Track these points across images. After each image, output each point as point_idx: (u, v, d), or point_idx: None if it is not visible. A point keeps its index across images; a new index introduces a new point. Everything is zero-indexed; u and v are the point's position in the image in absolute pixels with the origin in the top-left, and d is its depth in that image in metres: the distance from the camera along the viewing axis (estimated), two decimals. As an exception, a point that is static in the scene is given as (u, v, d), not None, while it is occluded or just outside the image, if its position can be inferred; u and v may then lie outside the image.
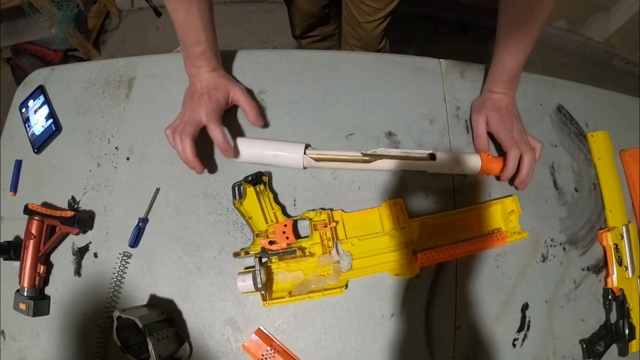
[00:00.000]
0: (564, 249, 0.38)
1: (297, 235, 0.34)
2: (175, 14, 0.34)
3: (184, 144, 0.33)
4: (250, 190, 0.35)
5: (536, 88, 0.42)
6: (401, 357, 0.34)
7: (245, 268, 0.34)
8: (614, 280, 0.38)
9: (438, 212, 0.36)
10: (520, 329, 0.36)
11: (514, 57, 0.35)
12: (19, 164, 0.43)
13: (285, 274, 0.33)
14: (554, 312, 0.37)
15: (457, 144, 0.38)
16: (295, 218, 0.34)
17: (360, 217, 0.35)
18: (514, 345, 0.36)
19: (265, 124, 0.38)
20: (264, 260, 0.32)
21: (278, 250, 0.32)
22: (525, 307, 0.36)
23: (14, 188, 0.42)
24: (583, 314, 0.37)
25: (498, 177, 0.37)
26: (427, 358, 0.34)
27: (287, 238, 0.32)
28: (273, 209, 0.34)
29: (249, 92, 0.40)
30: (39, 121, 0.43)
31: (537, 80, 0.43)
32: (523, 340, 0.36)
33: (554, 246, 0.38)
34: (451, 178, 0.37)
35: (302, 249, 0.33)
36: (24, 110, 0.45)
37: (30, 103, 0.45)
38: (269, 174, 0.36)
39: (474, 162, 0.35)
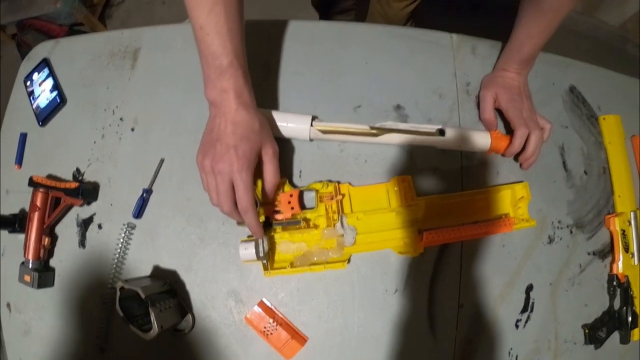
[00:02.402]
0: (571, 232, 0.38)
1: (302, 207, 0.33)
2: (194, 12, 0.27)
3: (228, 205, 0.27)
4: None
5: (549, 67, 0.41)
6: (403, 334, 0.34)
7: (248, 236, 0.34)
8: (620, 267, 0.37)
9: (445, 190, 0.35)
10: (523, 311, 0.36)
11: (534, 41, 0.34)
12: (23, 137, 0.43)
13: (288, 244, 0.32)
14: (558, 295, 0.37)
15: (466, 120, 0.38)
16: (301, 189, 0.34)
17: (368, 192, 0.34)
18: (517, 326, 0.35)
19: (274, 199, 0.32)
20: (267, 229, 0.32)
21: (282, 220, 0.32)
22: (529, 288, 0.36)
23: (19, 161, 0.42)
24: (587, 298, 0.37)
25: (503, 154, 0.36)
26: (429, 336, 0.34)
27: (292, 209, 0.31)
28: (281, 177, 0.33)
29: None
30: (43, 94, 0.43)
31: (550, 59, 0.42)
32: (526, 321, 0.36)
33: (561, 228, 0.38)
34: (459, 155, 0.37)
35: (307, 221, 0.33)
36: (28, 83, 0.45)
37: (35, 76, 0.44)
38: (279, 143, 0.35)
39: (483, 139, 0.35)
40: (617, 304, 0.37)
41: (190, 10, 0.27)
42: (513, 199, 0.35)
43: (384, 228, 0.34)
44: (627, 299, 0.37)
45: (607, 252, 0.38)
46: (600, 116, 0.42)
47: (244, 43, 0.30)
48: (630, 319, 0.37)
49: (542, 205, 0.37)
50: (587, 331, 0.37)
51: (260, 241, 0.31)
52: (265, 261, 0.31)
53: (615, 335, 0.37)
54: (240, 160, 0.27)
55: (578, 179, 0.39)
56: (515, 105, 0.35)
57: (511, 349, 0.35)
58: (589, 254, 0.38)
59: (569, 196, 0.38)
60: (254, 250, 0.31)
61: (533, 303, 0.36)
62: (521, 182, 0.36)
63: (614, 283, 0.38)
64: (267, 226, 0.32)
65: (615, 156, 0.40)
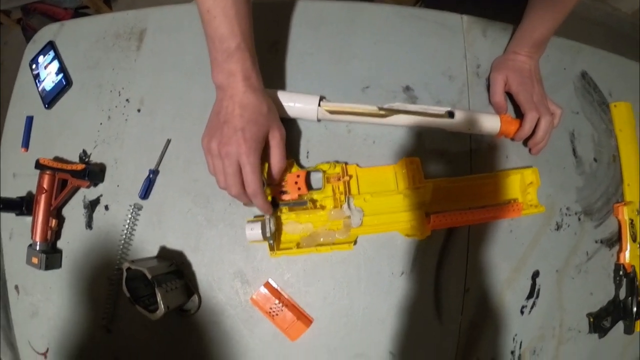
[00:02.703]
0: (579, 219, 0.37)
1: (309, 187, 0.33)
2: None
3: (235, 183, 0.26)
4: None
5: (561, 52, 0.41)
6: (409, 317, 0.34)
7: (255, 217, 0.34)
8: (627, 256, 0.37)
9: (454, 173, 0.35)
10: (529, 297, 0.36)
11: (547, 25, 0.34)
12: (30, 120, 0.43)
13: (294, 225, 0.32)
14: (564, 282, 0.36)
15: (476, 103, 0.37)
16: (308, 169, 0.33)
17: (375, 173, 0.34)
18: (522, 312, 0.35)
19: (280, 181, 0.32)
20: (273, 210, 0.31)
21: (289, 200, 0.32)
22: (535, 274, 0.36)
23: (26, 144, 0.42)
24: (592, 287, 0.37)
25: (513, 138, 0.36)
26: (435, 319, 0.34)
27: (299, 189, 0.31)
28: (288, 159, 0.33)
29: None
30: (49, 77, 0.43)
31: (562, 44, 0.41)
32: (531, 308, 0.35)
33: (569, 215, 0.37)
34: (468, 138, 0.36)
35: (314, 201, 0.33)
36: (34, 66, 0.44)
37: (40, 59, 0.44)
38: (287, 123, 0.35)
39: (493, 122, 0.34)
40: (622, 293, 0.37)
41: None
42: (522, 184, 0.35)
43: (391, 210, 0.34)
44: (633, 289, 0.37)
45: (614, 240, 0.38)
46: (611, 103, 0.41)
47: (252, 25, 0.29)
48: (635, 309, 0.36)
49: (551, 191, 0.37)
50: (591, 320, 0.36)
51: (267, 221, 0.31)
52: (271, 241, 0.31)
53: (620, 325, 0.37)
54: (248, 143, 0.27)
55: (588, 166, 0.39)
56: (526, 89, 0.35)
57: (516, 335, 0.35)
58: (596, 242, 0.38)
59: (578, 183, 0.38)
60: (260, 231, 0.31)
61: (539, 289, 0.36)
62: (530, 167, 0.36)
63: (621, 272, 0.37)
64: (274, 206, 0.32)
65: (625, 144, 0.40)
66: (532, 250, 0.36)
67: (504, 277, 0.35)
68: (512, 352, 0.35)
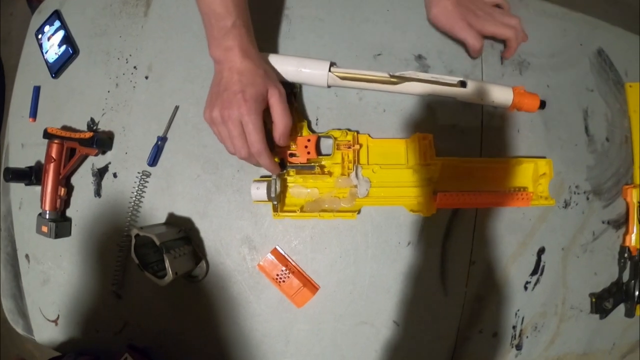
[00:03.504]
0: (587, 198, 0.37)
1: (319, 153, 0.33)
2: None
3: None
4: None
5: (577, 27, 0.40)
6: (414, 287, 0.34)
7: (261, 177, 0.34)
8: (632, 239, 0.37)
9: (465, 146, 0.34)
10: (533, 273, 0.36)
11: None
12: (37, 90, 0.42)
13: (300, 189, 0.32)
14: (569, 260, 0.36)
15: (489, 73, 0.36)
16: (320, 134, 0.33)
17: (386, 145, 0.34)
18: (526, 288, 0.35)
19: (289, 145, 0.31)
20: (282, 170, 0.31)
21: (297, 163, 0.32)
22: (541, 251, 0.36)
23: (34, 114, 0.42)
24: (597, 267, 0.37)
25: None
26: (440, 290, 0.34)
27: (309, 153, 0.31)
28: (300, 122, 0.33)
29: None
30: (55, 46, 0.42)
31: (579, 19, 0.40)
32: (535, 284, 0.36)
33: (578, 194, 0.37)
34: (480, 110, 0.36)
35: (322, 167, 0.32)
36: (40, 36, 0.44)
37: (46, 28, 0.44)
38: (300, 87, 0.35)
39: (506, 94, 0.34)
40: (626, 276, 0.37)
41: None
42: (535, 174, 0.35)
43: (399, 184, 0.33)
44: (637, 273, 0.37)
45: (621, 222, 0.38)
46: (626, 83, 0.40)
47: (247, 2, 0.29)
48: (637, 292, 0.36)
49: (562, 168, 0.36)
50: (593, 300, 0.37)
51: (273, 182, 0.30)
52: (276, 202, 0.31)
53: (621, 308, 0.37)
54: (248, 103, 0.27)
55: (599, 145, 0.38)
56: (480, 15, 0.32)
57: (518, 310, 0.35)
58: (603, 222, 0.37)
59: (589, 161, 0.38)
60: (265, 191, 0.31)
61: (544, 266, 0.36)
62: (545, 157, 0.35)
63: (625, 255, 0.37)
64: (282, 167, 0.32)
65: (638, 126, 0.39)
66: (540, 227, 0.36)
67: (510, 251, 0.35)
68: (514, 327, 0.35)
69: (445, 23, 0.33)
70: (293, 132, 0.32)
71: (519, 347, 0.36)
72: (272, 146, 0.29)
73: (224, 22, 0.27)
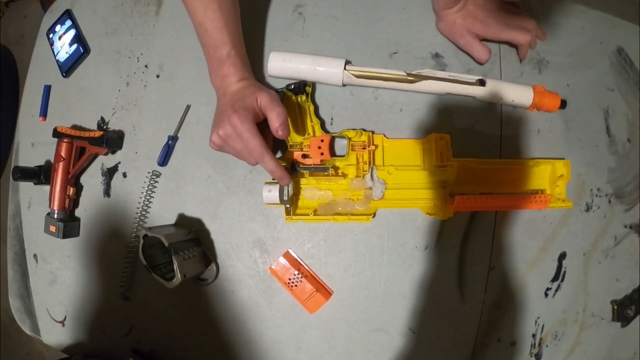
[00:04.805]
0: (609, 202, 0.36)
1: (333, 154, 0.32)
2: (192, 11, 0.30)
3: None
4: (290, 100, 0.32)
5: (596, 25, 0.38)
6: (430, 292, 0.33)
7: (274, 179, 0.33)
8: None
9: (483, 149, 0.33)
10: (554, 279, 0.34)
11: None
12: (47, 89, 0.42)
13: (313, 191, 0.31)
14: (591, 266, 0.35)
15: (508, 72, 0.35)
16: (333, 135, 0.32)
17: (402, 146, 0.33)
18: (546, 294, 0.34)
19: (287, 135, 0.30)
20: (294, 173, 0.31)
21: (310, 165, 0.31)
22: (562, 256, 0.34)
23: (44, 113, 0.42)
24: (619, 273, 0.35)
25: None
26: (457, 296, 0.33)
27: (322, 154, 0.30)
28: (312, 122, 0.32)
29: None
30: (66, 45, 0.42)
31: (598, 17, 0.39)
32: (556, 290, 0.34)
33: (600, 197, 0.36)
34: (499, 111, 0.35)
35: (336, 168, 0.32)
36: (51, 35, 0.44)
37: (58, 28, 0.44)
38: (313, 85, 0.34)
39: (526, 93, 0.33)
40: None
41: (188, 9, 0.31)
42: (552, 175, 0.33)
43: (415, 186, 0.32)
44: None
45: (643, 227, 0.36)
46: (647, 82, 0.39)
47: (241, 32, 0.32)
48: None
49: (583, 170, 0.35)
50: (615, 307, 0.35)
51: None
52: (288, 205, 0.30)
53: None
54: (237, 113, 0.28)
55: (621, 146, 0.37)
56: (489, 24, 0.32)
57: (538, 317, 0.34)
58: (625, 226, 0.36)
59: (610, 163, 0.36)
60: (277, 193, 0.30)
61: (565, 272, 0.34)
62: (563, 159, 0.34)
63: None
64: (293, 171, 0.31)
65: (660, 126, 0.37)
66: (560, 231, 0.34)
67: (530, 257, 0.34)
68: (534, 335, 0.34)
69: (450, 37, 0.35)
70: (302, 130, 0.31)
71: (538, 356, 0.34)
72: (282, 151, 0.29)
73: (219, 52, 0.30)
